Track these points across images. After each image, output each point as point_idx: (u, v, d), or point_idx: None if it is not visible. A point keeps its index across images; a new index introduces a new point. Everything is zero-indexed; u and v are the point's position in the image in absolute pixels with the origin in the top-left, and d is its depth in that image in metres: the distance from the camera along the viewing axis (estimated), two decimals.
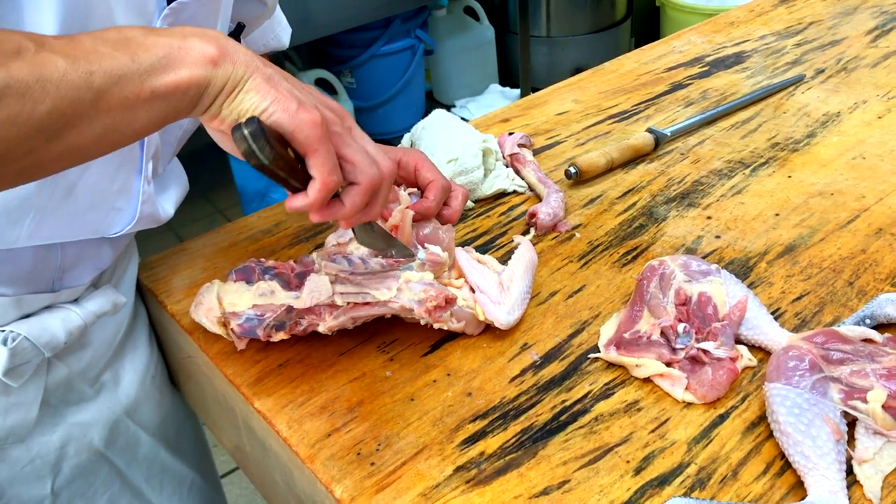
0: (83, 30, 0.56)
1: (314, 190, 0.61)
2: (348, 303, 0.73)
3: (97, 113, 0.52)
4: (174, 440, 0.94)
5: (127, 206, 0.72)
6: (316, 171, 0.61)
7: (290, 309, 0.73)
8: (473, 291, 0.78)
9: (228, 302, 0.74)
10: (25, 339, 0.72)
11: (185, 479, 0.95)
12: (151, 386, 0.90)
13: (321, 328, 0.74)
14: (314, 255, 0.79)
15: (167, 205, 0.78)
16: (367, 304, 0.73)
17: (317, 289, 0.73)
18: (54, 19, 0.58)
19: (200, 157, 2.05)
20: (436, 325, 0.75)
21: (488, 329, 0.79)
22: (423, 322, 0.75)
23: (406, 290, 0.73)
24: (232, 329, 0.75)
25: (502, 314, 0.77)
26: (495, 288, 0.78)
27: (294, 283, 0.75)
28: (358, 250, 0.78)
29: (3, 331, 0.71)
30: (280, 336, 0.74)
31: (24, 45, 0.49)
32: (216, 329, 0.76)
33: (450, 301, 0.74)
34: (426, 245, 0.77)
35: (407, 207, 0.77)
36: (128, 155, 0.70)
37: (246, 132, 0.57)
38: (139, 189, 0.72)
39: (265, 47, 0.94)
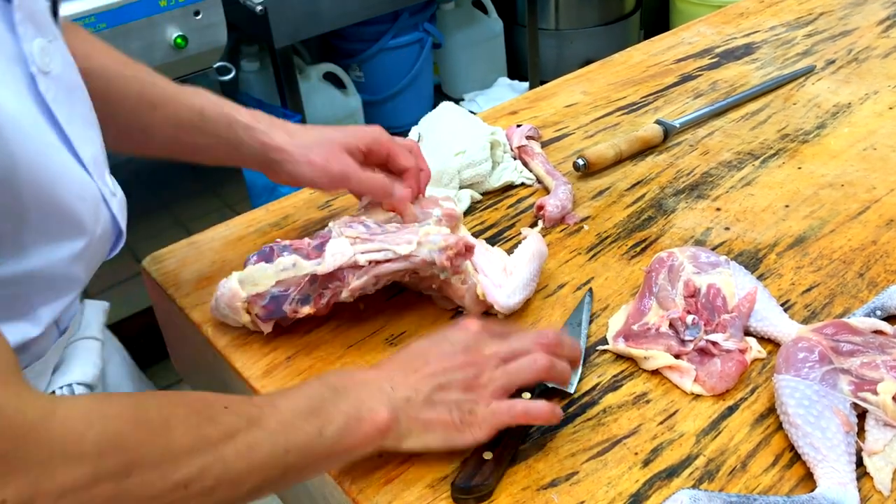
0: None
1: None
2: (370, 262, 0.74)
3: (279, 483, 0.58)
4: None
5: (112, 232, 0.69)
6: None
7: (313, 279, 0.74)
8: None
9: (251, 284, 0.75)
10: (78, 385, 0.71)
11: None
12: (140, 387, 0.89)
13: (344, 294, 0.75)
14: (330, 224, 0.79)
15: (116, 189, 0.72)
16: (388, 260, 0.74)
17: (338, 251, 0.73)
18: None
19: None
20: (452, 278, 0.76)
21: (496, 322, 0.79)
22: (443, 276, 0.76)
23: (426, 243, 0.74)
24: (256, 314, 0.75)
25: (502, 297, 0.77)
26: (499, 272, 0.79)
27: (313, 255, 0.75)
28: (371, 219, 0.80)
29: (69, 385, 0.70)
30: (306, 311, 0.75)
31: (237, 426, 0.54)
32: (241, 318, 0.76)
33: (469, 248, 0.75)
34: (441, 202, 0.78)
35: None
36: (93, 204, 0.64)
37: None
38: (112, 214, 0.67)
39: None
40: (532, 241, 0.82)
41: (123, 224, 0.69)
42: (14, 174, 0.54)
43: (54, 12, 0.65)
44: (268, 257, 0.77)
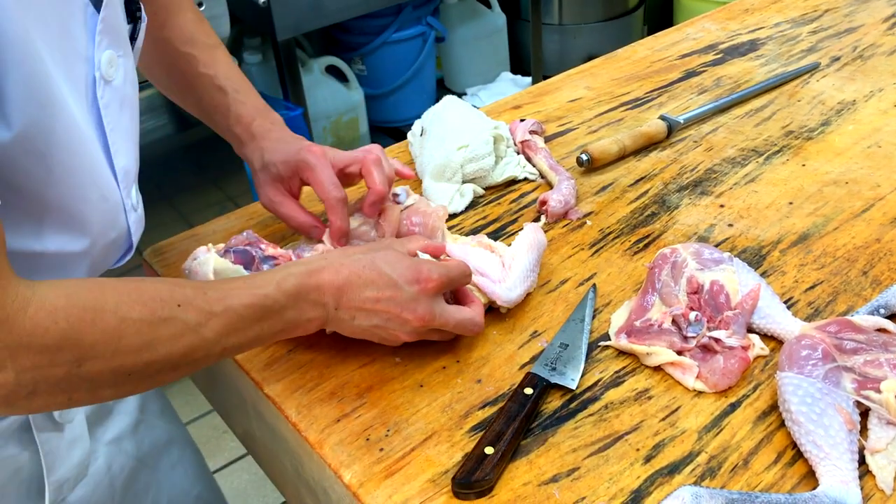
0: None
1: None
2: None
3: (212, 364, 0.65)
4: (173, 414, 0.94)
5: (124, 243, 0.72)
6: None
7: None
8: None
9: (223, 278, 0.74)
10: None
11: (191, 444, 0.95)
12: None
13: None
14: (303, 242, 0.80)
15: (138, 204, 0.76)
16: None
17: None
18: None
19: (211, 146, 2.05)
20: None
21: (497, 316, 0.79)
22: None
23: None
24: None
25: (503, 291, 0.77)
26: (497, 268, 0.79)
27: None
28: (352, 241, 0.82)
29: None
30: None
31: (185, 328, 0.59)
32: None
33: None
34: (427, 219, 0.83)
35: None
36: (112, 211, 0.68)
37: None
38: (128, 224, 0.71)
39: None
40: (529, 232, 0.82)
41: (136, 238, 0.73)
42: (52, 156, 0.59)
43: (132, 37, 0.70)
44: (247, 263, 0.76)
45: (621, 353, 0.75)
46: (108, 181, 0.66)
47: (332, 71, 2.49)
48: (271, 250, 0.78)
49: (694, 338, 0.72)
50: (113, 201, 0.67)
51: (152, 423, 0.88)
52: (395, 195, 0.88)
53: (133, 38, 0.71)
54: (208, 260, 0.75)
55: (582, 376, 0.72)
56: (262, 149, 0.84)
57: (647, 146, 1.05)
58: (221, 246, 0.79)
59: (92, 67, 0.63)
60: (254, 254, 0.77)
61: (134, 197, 0.72)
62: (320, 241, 0.82)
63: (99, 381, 0.57)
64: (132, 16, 0.69)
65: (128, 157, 0.69)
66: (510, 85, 2.86)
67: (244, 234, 0.81)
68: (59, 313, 0.54)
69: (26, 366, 0.53)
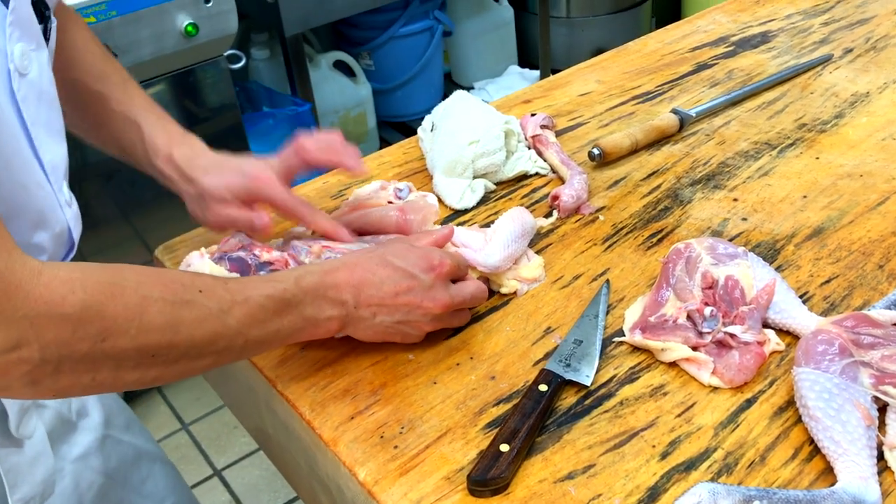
0: None
1: None
2: None
3: (231, 360, 0.66)
4: (140, 429, 0.94)
5: (67, 239, 0.70)
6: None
7: None
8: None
9: None
10: None
11: (160, 456, 0.95)
12: (117, 392, 0.89)
13: None
14: (294, 242, 0.80)
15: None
16: None
17: None
18: None
19: (221, 140, 2.05)
20: None
21: (510, 312, 0.79)
22: None
23: None
24: None
25: (483, 257, 0.79)
26: (479, 241, 0.81)
27: None
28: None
29: None
30: None
31: (207, 313, 0.60)
32: None
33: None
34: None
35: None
36: (51, 205, 0.67)
37: None
38: (65, 219, 0.69)
39: None
40: (511, 210, 0.85)
41: (76, 234, 0.72)
42: None
43: (45, 34, 0.69)
44: (244, 270, 0.76)
45: (636, 349, 0.74)
46: (39, 176, 0.65)
47: (340, 66, 2.49)
48: (266, 255, 0.78)
49: (709, 333, 0.72)
50: (48, 196, 0.66)
51: (118, 438, 0.87)
52: (398, 190, 0.90)
53: (45, 37, 0.69)
54: (202, 267, 0.75)
55: (596, 373, 0.71)
56: (192, 180, 0.83)
57: (659, 140, 1.05)
58: (214, 248, 0.78)
59: (6, 59, 0.61)
60: (249, 261, 0.77)
61: (66, 193, 0.70)
62: (314, 236, 0.83)
63: (123, 361, 0.57)
64: (41, 15, 0.68)
65: (53, 153, 0.67)
66: (518, 79, 2.85)
67: (235, 237, 0.79)
68: (76, 283, 0.53)
69: (49, 339, 0.52)
